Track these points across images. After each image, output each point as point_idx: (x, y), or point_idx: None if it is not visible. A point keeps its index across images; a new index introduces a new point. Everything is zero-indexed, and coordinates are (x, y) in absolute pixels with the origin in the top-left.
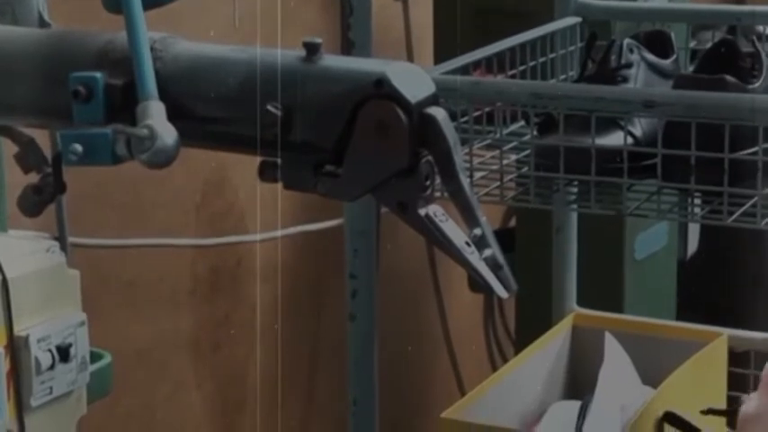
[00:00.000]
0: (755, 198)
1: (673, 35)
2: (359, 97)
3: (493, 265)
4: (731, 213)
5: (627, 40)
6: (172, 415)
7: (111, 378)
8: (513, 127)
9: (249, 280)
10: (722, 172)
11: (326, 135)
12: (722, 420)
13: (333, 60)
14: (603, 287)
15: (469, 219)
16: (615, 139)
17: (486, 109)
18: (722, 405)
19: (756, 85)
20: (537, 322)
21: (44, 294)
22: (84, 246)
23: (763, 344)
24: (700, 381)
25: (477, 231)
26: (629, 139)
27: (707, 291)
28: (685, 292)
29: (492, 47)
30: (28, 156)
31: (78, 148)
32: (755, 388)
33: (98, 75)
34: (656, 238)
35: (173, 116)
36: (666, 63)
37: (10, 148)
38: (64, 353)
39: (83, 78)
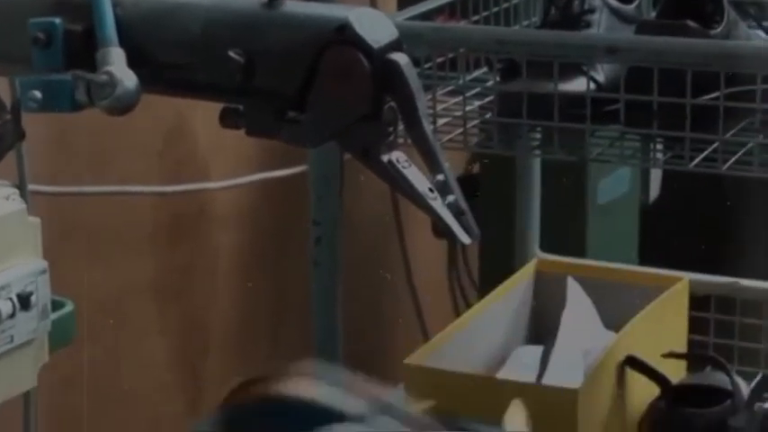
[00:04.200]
0: (717, 143)
1: None
2: (321, 43)
3: (456, 211)
4: (693, 159)
5: None
6: (135, 362)
7: (74, 326)
8: (477, 73)
9: (211, 227)
10: (684, 117)
11: (289, 81)
12: (683, 364)
13: (295, 6)
14: (566, 233)
15: (432, 165)
16: (578, 84)
17: (450, 55)
18: (683, 349)
19: (718, 30)
20: (500, 268)
21: (4, 242)
22: (44, 193)
23: (724, 288)
24: (661, 325)
25: (440, 177)
26: (592, 85)
27: (669, 236)
28: (648, 238)
29: None
30: None
31: (37, 94)
32: (716, 332)
33: (57, 20)
34: (619, 184)
35: (133, 63)
36: (629, 8)
37: None
38: (25, 301)
39: (42, 24)
